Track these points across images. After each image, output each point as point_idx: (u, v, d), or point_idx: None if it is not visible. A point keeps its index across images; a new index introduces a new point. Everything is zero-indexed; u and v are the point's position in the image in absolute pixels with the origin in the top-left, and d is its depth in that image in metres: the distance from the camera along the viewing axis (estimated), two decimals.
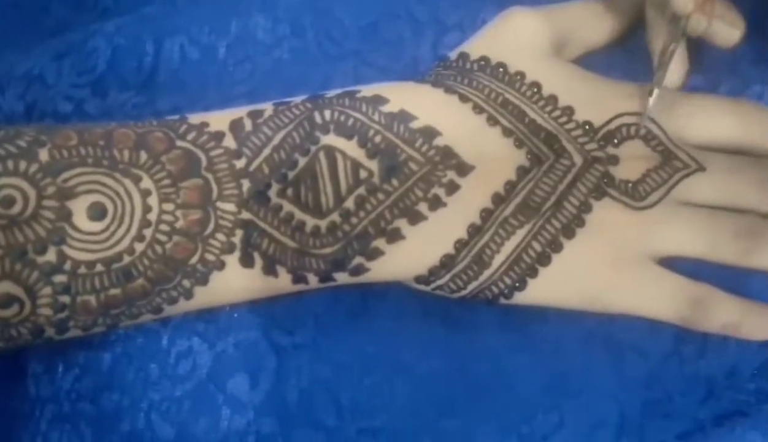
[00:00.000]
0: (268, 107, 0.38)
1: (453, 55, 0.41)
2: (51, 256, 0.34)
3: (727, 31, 0.39)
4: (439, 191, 0.37)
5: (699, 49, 0.41)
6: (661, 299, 0.38)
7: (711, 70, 0.42)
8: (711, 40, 0.39)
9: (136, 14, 0.45)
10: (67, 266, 0.34)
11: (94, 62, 0.44)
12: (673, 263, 0.39)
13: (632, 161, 0.39)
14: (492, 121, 0.39)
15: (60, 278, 0.34)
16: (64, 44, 0.45)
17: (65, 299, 0.35)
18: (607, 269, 0.38)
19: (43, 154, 0.35)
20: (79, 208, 0.35)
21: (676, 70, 0.40)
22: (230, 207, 0.36)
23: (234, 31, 0.44)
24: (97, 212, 0.35)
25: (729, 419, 0.38)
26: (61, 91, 0.44)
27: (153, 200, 0.35)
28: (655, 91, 0.39)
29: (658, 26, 0.40)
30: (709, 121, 0.40)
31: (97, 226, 0.35)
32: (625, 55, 0.43)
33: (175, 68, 0.43)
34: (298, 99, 0.39)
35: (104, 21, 0.46)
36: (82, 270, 0.34)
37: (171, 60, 0.43)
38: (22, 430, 0.40)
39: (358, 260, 0.37)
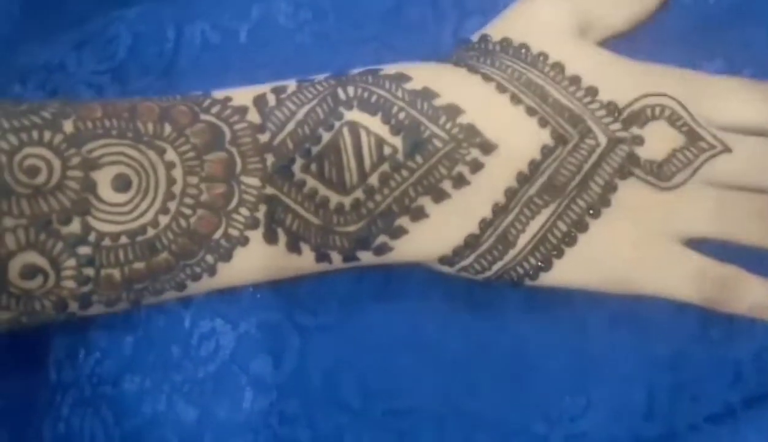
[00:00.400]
0: (291, 83, 0.38)
1: (475, 37, 0.41)
2: (75, 227, 0.34)
3: None
4: (464, 169, 0.37)
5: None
6: (687, 279, 0.38)
7: (733, 54, 0.42)
8: None
9: (156, 1, 0.45)
10: (92, 237, 0.34)
11: (114, 49, 0.44)
12: (699, 245, 0.39)
13: (657, 142, 0.39)
14: (515, 100, 0.38)
15: (84, 250, 0.34)
16: (84, 32, 0.45)
17: (89, 271, 0.34)
18: (633, 249, 0.38)
19: (68, 126, 0.35)
20: (103, 179, 0.34)
21: None
22: (254, 181, 0.36)
23: (255, 15, 0.43)
24: (121, 184, 0.35)
25: (758, 402, 0.37)
26: (82, 78, 0.44)
27: (177, 173, 0.35)
28: None
29: None
30: (735, 103, 0.40)
31: (121, 197, 0.34)
32: (649, 38, 0.42)
33: (196, 54, 0.43)
34: (321, 76, 0.38)
35: (124, 8, 0.45)
36: (107, 242, 0.34)
37: (192, 45, 0.43)
38: (44, 415, 0.40)
39: (382, 238, 0.37)
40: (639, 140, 0.39)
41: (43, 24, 0.48)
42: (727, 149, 0.39)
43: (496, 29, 0.40)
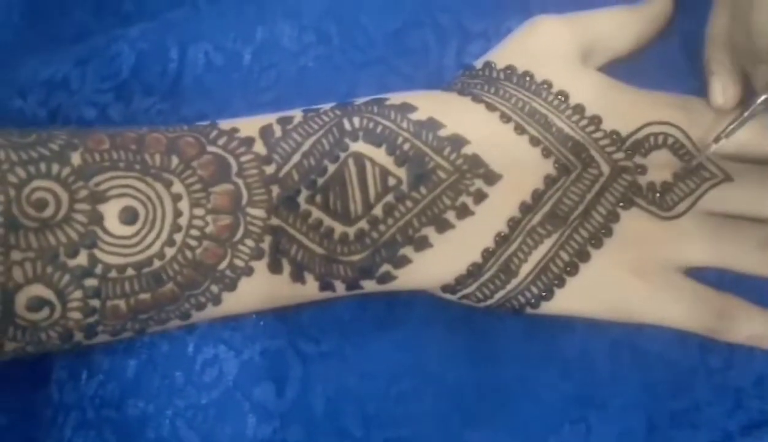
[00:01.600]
0: (297, 114, 0.38)
1: (478, 63, 0.41)
2: (82, 259, 0.34)
3: None
4: (467, 200, 0.37)
5: None
6: (687, 309, 0.38)
7: None
8: None
9: (159, 20, 0.45)
10: (98, 269, 0.34)
11: (117, 67, 0.44)
12: (698, 273, 0.39)
13: (660, 171, 0.39)
14: (519, 130, 0.39)
15: (91, 282, 0.34)
16: (86, 49, 0.45)
17: (95, 302, 0.34)
18: (634, 278, 0.38)
19: (76, 158, 0.35)
20: (110, 212, 0.34)
21: (729, 94, 0.40)
22: (260, 213, 0.36)
23: (259, 37, 0.43)
24: (128, 216, 0.35)
25: (757, 429, 0.38)
26: (84, 96, 0.44)
27: (184, 205, 0.35)
28: (722, 140, 0.39)
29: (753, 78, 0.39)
30: (737, 132, 0.40)
31: (128, 230, 0.35)
32: (651, 64, 0.43)
33: (199, 74, 0.43)
34: (327, 106, 0.38)
35: (127, 26, 0.45)
36: (113, 274, 0.34)
37: (196, 66, 0.43)
38: (46, 436, 0.40)
39: (386, 267, 0.37)
40: (642, 169, 0.39)
41: (43, 36, 0.48)
42: (728, 178, 0.39)
43: (500, 56, 0.41)
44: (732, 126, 0.39)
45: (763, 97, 0.38)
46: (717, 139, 0.39)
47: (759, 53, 0.36)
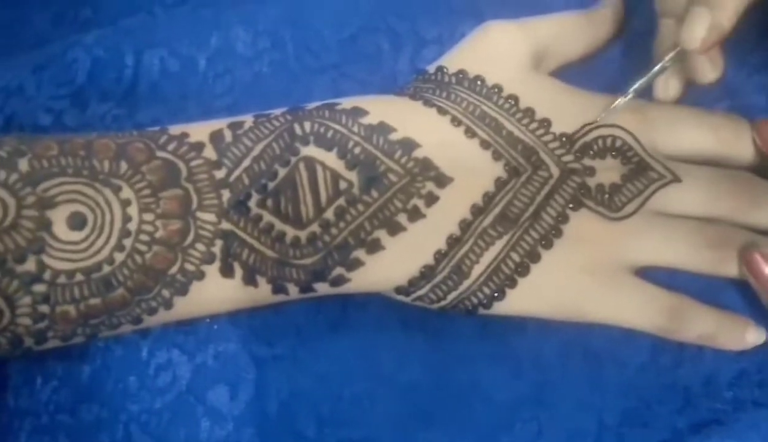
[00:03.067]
0: (248, 119, 0.38)
1: (431, 68, 0.41)
2: (30, 265, 0.34)
3: (709, 69, 0.40)
4: (419, 202, 0.38)
5: None
6: (638, 309, 0.39)
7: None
8: (692, 73, 0.40)
9: (115, 26, 0.45)
10: (47, 275, 0.34)
11: (73, 74, 0.44)
12: (649, 273, 0.40)
13: (608, 172, 0.40)
14: (470, 133, 0.39)
15: (39, 288, 0.34)
16: (43, 56, 0.45)
17: (44, 308, 0.34)
18: (585, 278, 0.39)
19: (23, 164, 0.35)
20: (58, 217, 0.34)
21: (672, 85, 0.41)
22: (210, 217, 0.36)
23: (214, 43, 0.44)
24: (76, 222, 0.35)
25: (706, 428, 0.38)
26: (40, 103, 0.44)
27: (133, 210, 0.35)
28: (630, 95, 0.40)
29: (665, 34, 0.41)
30: (685, 132, 0.41)
31: (76, 235, 0.35)
32: (603, 67, 0.43)
33: (155, 80, 0.43)
34: (278, 111, 0.39)
35: (82, 32, 0.46)
36: (62, 279, 0.34)
37: (151, 72, 0.44)
38: (3, 441, 0.40)
39: (338, 270, 0.37)
40: (591, 171, 0.39)
41: (1, 46, 0.48)
42: (677, 179, 0.40)
43: (452, 61, 0.41)
44: (641, 81, 0.40)
45: (671, 54, 0.39)
46: (626, 94, 0.39)
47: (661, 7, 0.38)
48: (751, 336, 0.38)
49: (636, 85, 0.40)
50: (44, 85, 0.45)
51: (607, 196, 0.39)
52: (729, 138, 0.41)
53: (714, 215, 0.40)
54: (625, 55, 0.43)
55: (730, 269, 0.39)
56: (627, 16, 0.44)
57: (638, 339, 0.39)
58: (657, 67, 0.40)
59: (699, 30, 0.36)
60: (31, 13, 0.49)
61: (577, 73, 0.43)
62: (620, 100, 0.40)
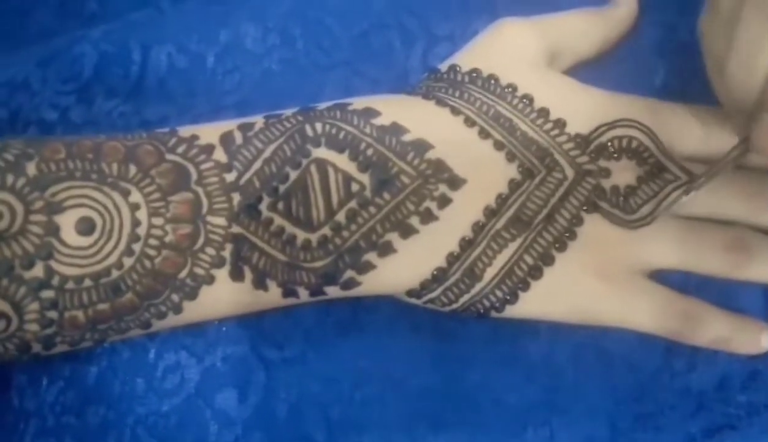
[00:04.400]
0: (258, 120, 0.38)
1: (443, 67, 0.41)
2: (38, 271, 0.34)
3: None
4: (431, 205, 0.37)
5: None
6: (651, 312, 0.38)
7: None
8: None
9: (122, 21, 0.45)
10: (55, 281, 0.34)
11: (79, 69, 0.44)
12: (663, 276, 0.39)
13: (624, 174, 0.39)
14: (484, 134, 0.38)
15: (47, 294, 0.34)
16: (48, 50, 0.45)
17: (53, 314, 0.34)
18: (598, 281, 0.38)
19: (31, 168, 0.34)
20: (67, 222, 0.34)
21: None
22: (220, 221, 0.36)
23: (223, 40, 0.43)
24: (85, 227, 0.34)
25: (719, 432, 0.38)
26: (46, 98, 0.44)
27: (142, 214, 0.35)
28: (701, 183, 0.38)
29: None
30: (701, 133, 0.40)
31: (85, 240, 0.34)
32: (617, 66, 0.42)
33: (162, 77, 0.43)
34: (289, 111, 0.38)
35: (90, 27, 0.45)
36: (70, 285, 0.34)
37: (158, 68, 0.43)
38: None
39: (349, 273, 0.37)
40: (605, 173, 0.39)
41: (4, 37, 0.48)
42: (692, 181, 0.39)
43: (465, 59, 0.40)
44: (702, 179, 0.38)
45: (733, 150, 0.37)
46: (688, 191, 0.38)
47: (734, 104, 0.36)
48: (765, 340, 0.38)
49: (700, 181, 0.38)
50: (50, 79, 0.44)
51: (622, 198, 0.39)
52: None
53: (728, 217, 0.40)
54: (637, 54, 0.43)
55: (744, 272, 0.39)
56: (640, 14, 0.43)
57: (651, 343, 0.39)
58: (723, 161, 0.37)
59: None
60: (34, 6, 0.48)
61: (590, 71, 0.42)
62: (693, 187, 0.38)
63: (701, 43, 0.36)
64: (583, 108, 0.40)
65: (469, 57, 0.40)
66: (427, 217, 0.37)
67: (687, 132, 0.40)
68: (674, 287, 0.39)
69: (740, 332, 0.38)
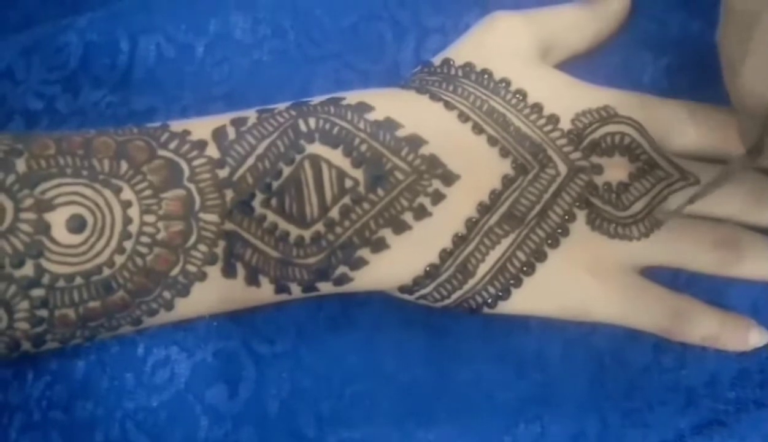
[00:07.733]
0: (251, 114, 0.37)
1: (437, 60, 0.40)
2: (28, 270, 0.33)
3: None
4: (425, 201, 0.37)
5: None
6: (642, 309, 0.38)
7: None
8: None
9: (109, 9, 0.44)
10: (45, 279, 0.33)
11: (65, 58, 0.43)
12: (652, 273, 0.39)
13: (616, 170, 0.39)
14: (477, 129, 0.38)
15: (37, 292, 0.33)
16: (32, 38, 0.44)
17: (43, 312, 0.34)
18: (590, 278, 0.38)
19: (20, 165, 0.34)
20: (57, 220, 0.33)
21: None
22: (213, 218, 0.35)
23: (212, 30, 0.43)
24: (76, 224, 0.34)
25: (708, 428, 0.38)
26: (30, 87, 0.43)
27: (134, 212, 0.34)
28: (705, 185, 0.37)
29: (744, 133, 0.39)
30: (693, 129, 0.40)
31: (76, 238, 0.34)
32: (609, 61, 0.42)
33: (150, 67, 0.42)
34: (282, 106, 0.38)
35: (75, 14, 0.44)
36: (61, 283, 0.33)
37: (146, 58, 0.42)
38: None
39: (342, 269, 0.37)
40: (598, 169, 0.39)
41: None
42: (684, 178, 0.39)
43: (459, 53, 0.40)
44: (705, 188, 0.38)
45: (738, 158, 0.37)
46: (694, 200, 0.38)
47: (749, 109, 0.36)
48: (754, 337, 0.38)
49: (702, 191, 0.37)
50: (34, 68, 0.43)
51: (614, 194, 0.39)
52: (737, 137, 0.40)
53: (720, 215, 0.40)
54: (629, 49, 0.43)
55: (735, 269, 0.39)
56: (632, 8, 0.43)
57: (641, 339, 0.39)
58: (732, 167, 0.37)
59: None
60: None
61: (581, 65, 0.42)
62: (700, 194, 0.37)
63: (719, 48, 0.36)
64: (576, 104, 0.40)
65: (463, 51, 0.40)
66: (421, 213, 0.37)
67: (679, 128, 0.40)
68: (664, 284, 0.39)
69: (729, 329, 0.38)
